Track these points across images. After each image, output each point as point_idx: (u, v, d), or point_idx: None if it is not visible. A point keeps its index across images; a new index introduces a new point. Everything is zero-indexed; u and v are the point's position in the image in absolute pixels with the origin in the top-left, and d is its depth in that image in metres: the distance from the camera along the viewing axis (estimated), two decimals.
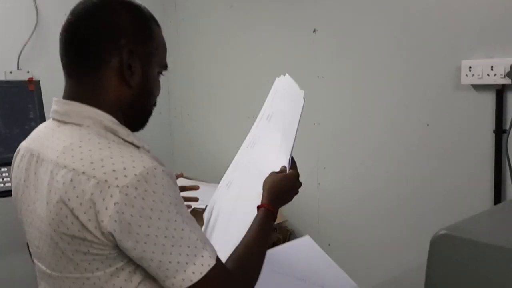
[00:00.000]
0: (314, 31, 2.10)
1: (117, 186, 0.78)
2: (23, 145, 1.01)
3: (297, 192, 1.14)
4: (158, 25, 0.98)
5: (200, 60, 2.72)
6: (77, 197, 0.80)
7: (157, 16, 0.99)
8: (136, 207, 0.78)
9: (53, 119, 0.94)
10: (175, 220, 0.81)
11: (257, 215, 1.04)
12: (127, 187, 0.78)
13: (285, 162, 1.13)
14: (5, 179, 1.65)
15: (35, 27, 2.37)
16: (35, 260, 0.97)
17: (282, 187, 1.10)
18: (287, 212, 2.26)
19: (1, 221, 2.40)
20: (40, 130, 0.99)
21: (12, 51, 2.33)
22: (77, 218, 0.80)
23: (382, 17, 1.85)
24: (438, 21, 1.68)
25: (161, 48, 0.97)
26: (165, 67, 0.99)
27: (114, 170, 0.80)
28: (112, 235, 0.80)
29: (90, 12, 0.90)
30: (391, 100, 1.86)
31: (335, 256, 1.45)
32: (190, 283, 0.82)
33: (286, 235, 2.23)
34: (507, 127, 1.56)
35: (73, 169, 0.82)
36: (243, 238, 0.98)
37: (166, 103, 2.93)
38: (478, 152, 1.64)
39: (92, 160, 0.81)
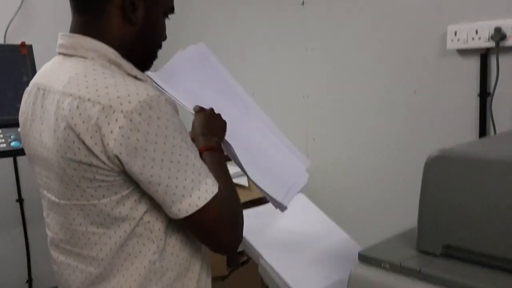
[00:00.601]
0: (303, 3, 2.13)
1: (122, 111, 0.81)
2: (31, 82, 1.03)
3: (223, 121, 1.12)
4: None
5: (191, 38, 2.73)
6: (83, 122, 0.82)
7: None
8: (141, 132, 0.81)
9: (59, 53, 0.96)
10: (180, 146, 0.84)
11: (211, 158, 1.01)
12: (132, 112, 0.81)
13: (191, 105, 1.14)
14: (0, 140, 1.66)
15: (22, 1, 2.36)
16: (44, 192, 0.99)
17: (206, 123, 1.08)
18: None
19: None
20: (46, 66, 1.01)
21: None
22: (83, 143, 0.83)
23: None
24: None
25: None
26: (171, 9, 1.00)
27: (118, 97, 0.82)
28: (118, 158, 0.82)
29: None
30: (378, 69, 1.91)
31: None
32: (196, 208, 0.85)
33: None
34: (491, 90, 1.61)
35: (79, 96, 0.84)
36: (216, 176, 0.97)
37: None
38: (463, 115, 1.69)
39: (97, 88, 0.84)
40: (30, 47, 1.78)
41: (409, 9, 1.77)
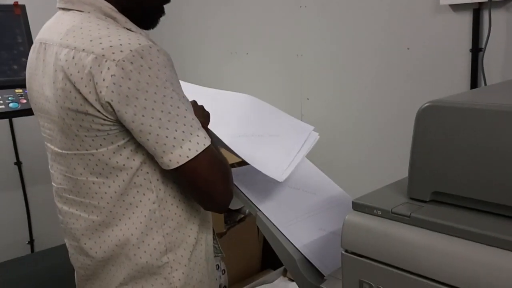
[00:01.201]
0: None
1: (114, 60, 0.83)
2: (36, 39, 1.05)
3: (205, 111, 1.15)
4: None
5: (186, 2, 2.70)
6: (78, 72, 0.85)
7: None
8: (132, 80, 0.83)
9: (59, 8, 0.98)
10: (171, 97, 0.86)
11: None
12: (123, 61, 0.83)
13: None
14: None
15: None
16: (48, 144, 1.02)
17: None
18: None
19: None
20: (49, 21, 1.03)
21: None
22: (79, 91, 0.86)
23: None
24: None
25: None
26: None
27: (111, 46, 0.84)
28: (111, 105, 0.84)
29: None
30: (371, 26, 1.91)
31: None
32: (186, 159, 0.87)
33: None
34: (483, 46, 1.62)
35: (74, 47, 0.87)
36: None
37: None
38: (455, 71, 1.71)
39: (91, 39, 0.86)
40: (23, 7, 1.76)
41: None
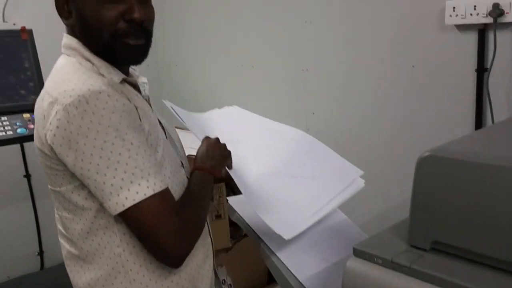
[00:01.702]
0: None
1: (62, 104, 0.85)
2: None
3: (226, 150, 1.16)
4: None
5: (186, 10, 2.71)
6: (41, 113, 0.90)
7: None
8: (74, 125, 0.84)
9: None
10: (113, 143, 0.84)
11: (196, 176, 1.05)
12: (69, 105, 0.84)
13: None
14: (6, 128, 1.69)
15: None
16: None
17: (207, 149, 1.12)
18: None
19: (2, 177, 2.46)
20: None
21: None
22: (39, 132, 0.91)
23: None
24: None
25: None
26: None
27: (65, 90, 0.87)
28: (52, 148, 0.87)
29: None
30: (377, 43, 1.90)
31: None
32: (122, 208, 0.85)
33: None
34: (488, 66, 1.62)
35: (45, 89, 0.92)
36: (190, 192, 1.02)
37: (153, 54, 2.93)
38: (460, 90, 1.70)
39: (57, 82, 0.90)
40: (30, 32, 1.77)
41: None
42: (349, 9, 1.96)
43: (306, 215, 1.17)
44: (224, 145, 1.15)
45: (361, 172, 1.28)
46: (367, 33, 1.93)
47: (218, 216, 2.14)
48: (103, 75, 0.94)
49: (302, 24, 2.14)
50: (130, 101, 0.91)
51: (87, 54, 0.95)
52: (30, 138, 1.72)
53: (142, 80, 1.07)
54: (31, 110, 1.71)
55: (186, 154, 2.00)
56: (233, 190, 2.30)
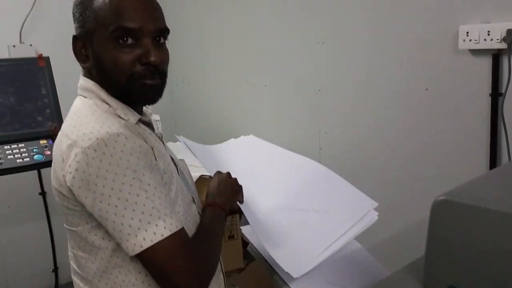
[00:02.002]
0: None
1: (81, 147, 0.87)
2: None
3: (237, 185, 1.17)
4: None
5: (200, 29, 2.73)
6: (59, 155, 0.92)
7: None
8: (93, 167, 0.86)
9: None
10: (131, 185, 0.86)
11: (208, 212, 1.07)
12: (88, 148, 0.86)
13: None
14: (23, 155, 1.72)
15: (34, 0, 2.37)
16: None
17: (218, 184, 1.14)
18: None
19: (19, 194, 2.50)
20: None
21: (13, 25, 2.34)
22: (57, 173, 0.92)
23: None
24: None
25: (102, 16, 0.93)
26: (115, 34, 0.93)
27: (83, 133, 0.89)
28: (71, 190, 0.89)
29: None
30: (391, 65, 1.90)
31: None
32: (140, 249, 0.87)
33: None
34: (503, 91, 1.61)
35: (63, 131, 0.94)
36: (203, 229, 1.03)
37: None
38: (475, 114, 1.69)
39: (75, 125, 0.92)
40: (47, 59, 1.81)
41: (422, 8, 1.75)
42: (362, 31, 1.97)
43: (316, 251, 1.17)
44: (235, 179, 1.17)
45: (376, 204, 1.28)
46: (380, 54, 1.93)
47: (231, 237, 2.15)
48: (120, 116, 0.96)
49: (315, 45, 2.15)
50: (146, 142, 0.93)
51: (104, 96, 0.97)
52: (46, 164, 1.75)
53: (154, 118, 1.10)
54: (48, 137, 1.75)
55: (199, 174, 2.02)
56: None
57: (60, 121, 1.82)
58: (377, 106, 1.98)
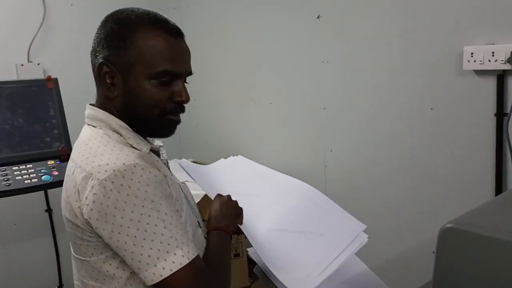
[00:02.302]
0: (318, 16, 2.14)
1: (98, 179, 0.88)
2: None
3: (238, 208, 1.20)
4: (158, 30, 0.98)
5: (205, 46, 2.76)
6: (73, 187, 0.92)
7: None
8: (111, 199, 0.86)
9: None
10: (149, 215, 0.88)
11: (215, 236, 1.10)
12: (105, 180, 0.87)
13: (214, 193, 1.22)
14: (31, 175, 1.74)
15: (43, 19, 2.40)
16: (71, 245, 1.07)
17: (220, 207, 1.17)
18: None
19: (25, 211, 2.51)
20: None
21: (21, 44, 2.37)
22: (71, 205, 0.92)
23: (385, 4, 1.89)
24: (441, 8, 1.72)
25: (149, 55, 0.97)
26: (160, 74, 0.98)
27: (99, 165, 0.89)
28: (89, 223, 0.89)
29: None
30: (396, 84, 1.92)
31: None
32: (160, 278, 0.88)
33: None
34: (508, 111, 1.61)
35: (75, 162, 0.94)
36: (214, 255, 1.05)
37: None
38: (480, 134, 1.70)
39: (88, 156, 0.92)
40: (56, 81, 1.83)
41: (427, 28, 1.77)
42: (367, 50, 1.99)
43: (317, 271, 1.20)
44: (236, 202, 1.19)
45: (364, 227, 1.31)
46: (385, 73, 1.94)
47: (237, 255, 2.15)
48: (132, 146, 0.97)
49: (319, 63, 2.17)
50: (159, 171, 0.95)
51: (115, 125, 0.98)
52: (54, 184, 1.76)
53: (158, 143, 1.11)
54: (55, 157, 1.77)
55: (203, 193, 2.03)
56: None
57: (67, 141, 1.83)
58: (383, 125, 1.99)
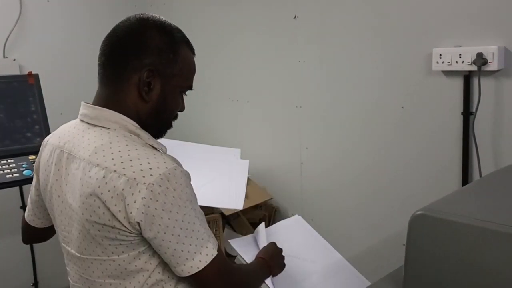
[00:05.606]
0: (295, 17, 2.20)
1: (144, 183, 0.91)
2: (50, 141, 1.12)
3: (283, 262, 1.33)
4: (190, 50, 1.10)
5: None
6: (109, 191, 0.93)
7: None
8: (159, 202, 0.92)
9: (81, 121, 1.05)
10: (189, 215, 0.95)
11: (259, 263, 1.25)
12: (153, 184, 0.91)
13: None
14: (12, 170, 1.74)
15: (19, 15, 2.39)
16: (63, 244, 1.08)
17: (274, 250, 1.32)
18: (272, 191, 2.40)
19: (4, 209, 2.49)
20: (67, 130, 1.09)
21: None
22: (108, 209, 0.93)
23: (360, 6, 1.96)
24: (412, 12, 1.81)
25: (186, 71, 1.09)
26: (189, 87, 1.12)
27: (142, 170, 0.93)
28: (139, 224, 0.93)
29: (125, 31, 1.02)
30: (368, 84, 1.99)
31: (318, 231, 1.60)
32: (197, 270, 0.96)
33: (272, 212, 2.37)
34: (474, 110, 1.70)
35: (105, 167, 0.94)
36: (249, 267, 1.22)
37: None
38: (448, 131, 1.79)
39: (122, 160, 0.94)
40: (37, 76, 1.84)
41: (399, 30, 1.85)
42: (341, 51, 2.06)
43: None
44: (284, 257, 1.32)
45: (368, 283, 1.36)
46: (358, 73, 2.02)
47: None
48: (151, 146, 1.02)
49: (296, 63, 2.23)
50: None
51: (132, 127, 1.01)
52: None
53: None
54: (36, 152, 1.76)
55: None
56: (229, 222, 2.34)
57: None
58: (356, 123, 2.06)
